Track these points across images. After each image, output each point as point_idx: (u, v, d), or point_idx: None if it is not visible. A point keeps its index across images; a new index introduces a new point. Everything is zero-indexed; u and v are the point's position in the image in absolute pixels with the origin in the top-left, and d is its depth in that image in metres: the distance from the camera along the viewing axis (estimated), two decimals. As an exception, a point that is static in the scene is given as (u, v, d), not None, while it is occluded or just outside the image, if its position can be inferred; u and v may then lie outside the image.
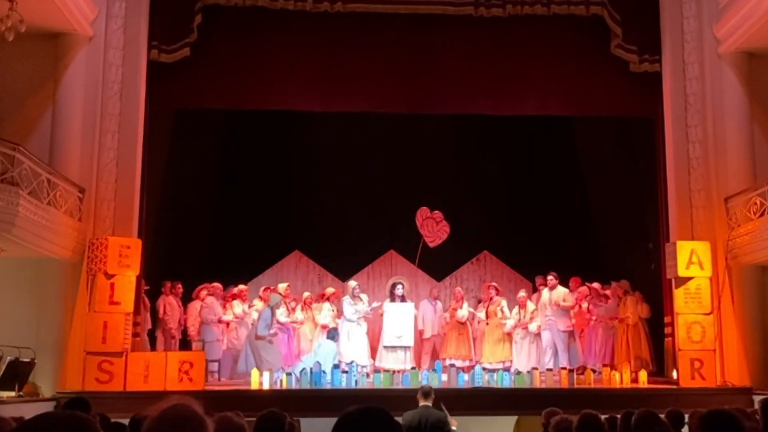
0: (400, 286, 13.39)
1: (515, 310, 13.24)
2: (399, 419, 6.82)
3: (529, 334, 13.05)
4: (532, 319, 13.06)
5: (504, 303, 13.32)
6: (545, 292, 13.19)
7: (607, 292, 13.14)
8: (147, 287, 11.97)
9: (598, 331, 13.11)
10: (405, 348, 12.80)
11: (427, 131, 14.51)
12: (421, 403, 7.59)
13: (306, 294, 13.73)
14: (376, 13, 12.32)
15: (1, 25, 8.37)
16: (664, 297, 12.07)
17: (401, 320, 12.96)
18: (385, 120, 13.97)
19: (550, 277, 13.17)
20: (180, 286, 13.02)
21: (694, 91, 12.09)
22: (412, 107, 12.86)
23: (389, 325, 12.90)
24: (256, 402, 9.40)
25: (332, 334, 12.40)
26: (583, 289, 13.44)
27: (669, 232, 12.04)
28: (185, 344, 12.82)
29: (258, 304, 13.28)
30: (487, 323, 13.34)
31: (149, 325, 12.34)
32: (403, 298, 13.31)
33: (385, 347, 12.84)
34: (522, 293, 13.42)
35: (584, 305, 13.28)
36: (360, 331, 12.90)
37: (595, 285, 13.24)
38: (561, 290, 13.07)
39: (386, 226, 14.92)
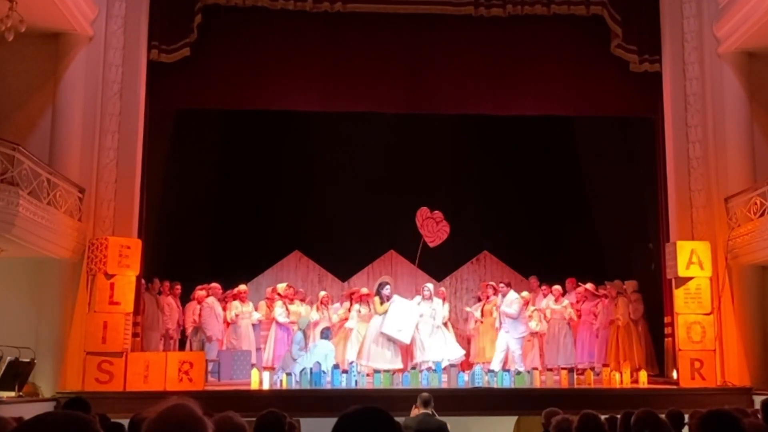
0: (387, 287, 13.14)
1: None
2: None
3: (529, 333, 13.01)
4: (530, 318, 13.04)
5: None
6: (498, 299, 13.06)
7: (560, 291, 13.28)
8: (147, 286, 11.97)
9: (588, 332, 13.12)
10: (395, 345, 12.40)
11: (427, 131, 14.51)
12: (421, 410, 7.49)
13: (322, 293, 13.65)
14: (376, 13, 12.31)
15: (1, 25, 8.36)
16: (664, 297, 12.06)
17: (406, 315, 12.63)
18: (386, 120, 13.97)
19: (501, 284, 13.08)
20: (179, 286, 13.01)
21: (694, 91, 12.07)
22: (412, 107, 12.85)
23: (394, 314, 12.44)
24: (256, 402, 9.39)
25: (326, 333, 12.35)
26: (580, 289, 13.46)
27: (669, 232, 12.03)
28: (184, 344, 12.83)
29: (263, 306, 13.25)
30: (482, 321, 13.32)
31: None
32: (389, 298, 13.00)
33: (381, 333, 12.34)
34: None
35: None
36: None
37: (588, 285, 13.25)
38: (510, 297, 12.77)
39: (386, 226, 14.92)
